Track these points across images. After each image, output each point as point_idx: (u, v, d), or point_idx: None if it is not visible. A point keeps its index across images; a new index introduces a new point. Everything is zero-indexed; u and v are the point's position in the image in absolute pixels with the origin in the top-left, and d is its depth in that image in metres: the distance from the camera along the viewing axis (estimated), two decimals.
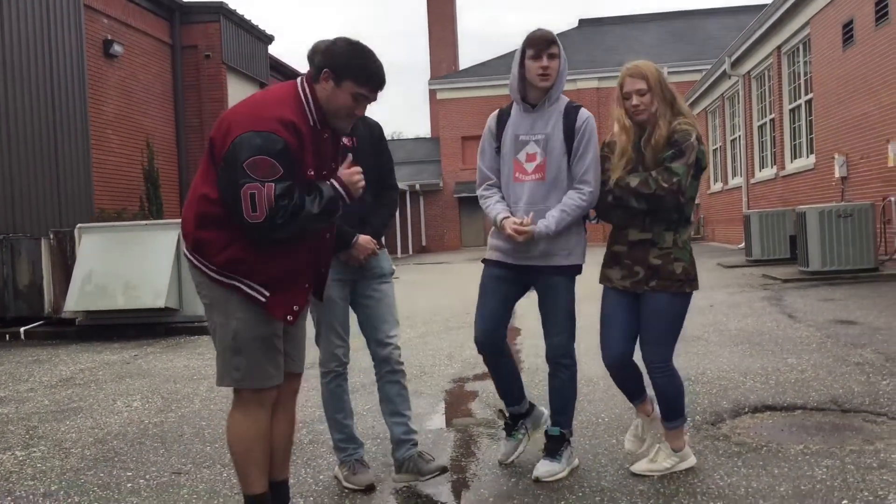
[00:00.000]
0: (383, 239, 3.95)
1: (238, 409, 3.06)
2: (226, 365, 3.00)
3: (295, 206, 2.84)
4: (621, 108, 3.64)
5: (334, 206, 2.97)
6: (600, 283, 3.83)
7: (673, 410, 3.75)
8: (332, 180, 3.00)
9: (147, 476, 4.16)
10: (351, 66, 2.95)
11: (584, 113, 3.77)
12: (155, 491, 3.92)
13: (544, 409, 4.11)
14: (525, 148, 3.77)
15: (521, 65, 3.72)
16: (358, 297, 3.88)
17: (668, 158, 3.52)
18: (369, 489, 3.74)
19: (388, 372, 3.89)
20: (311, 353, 3.53)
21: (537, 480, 3.73)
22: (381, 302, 3.89)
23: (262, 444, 3.06)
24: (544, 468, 3.78)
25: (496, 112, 3.93)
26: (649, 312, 3.68)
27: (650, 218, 3.59)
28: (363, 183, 3.09)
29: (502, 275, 3.86)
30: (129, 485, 4.04)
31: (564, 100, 3.81)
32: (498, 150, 3.84)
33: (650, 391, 3.84)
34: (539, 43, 3.67)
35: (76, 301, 9.58)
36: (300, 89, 2.98)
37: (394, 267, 4.05)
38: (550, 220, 3.68)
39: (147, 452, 4.60)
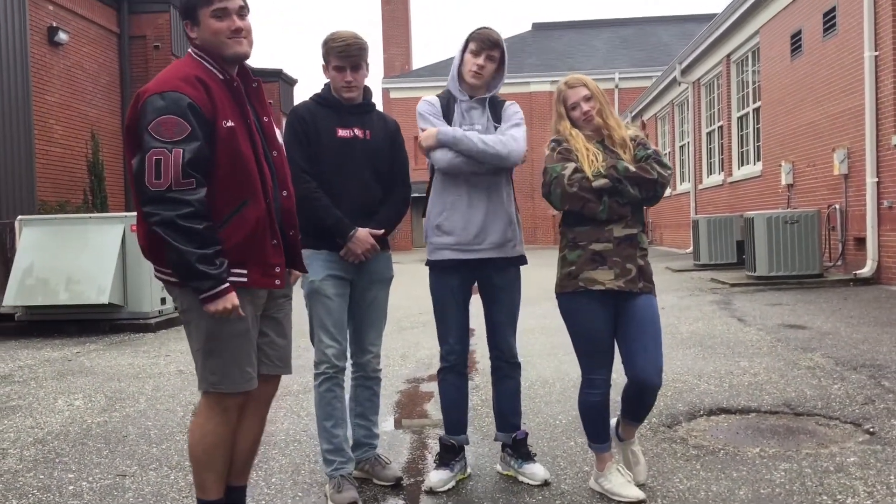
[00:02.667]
0: (389, 240, 3.79)
1: (202, 413, 2.95)
2: (202, 369, 2.89)
3: (189, 213, 2.64)
4: (565, 121, 3.51)
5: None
6: (562, 290, 3.45)
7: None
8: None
9: (90, 478, 4.00)
10: (191, 0, 2.83)
11: (508, 101, 3.80)
12: (98, 494, 3.76)
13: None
14: None
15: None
16: (352, 297, 3.69)
17: (653, 155, 3.43)
18: None
19: (363, 377, 3.82)
20: None
21: (546, 483, 3.62)
22: (372, 307, 3.75)
23: (222, 450, 2.94)
24: (542, 471, 3.67)
25: (434, 97, 3.77)
26: (645, 316, 3.39)
27: (632, 216, 3.42)
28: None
29: (459, 279, 3.69)
30: (70, 487, 3.87)
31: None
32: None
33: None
34: (483, 41, 3.62)
35: (15, 295, 9.25)
36: (192, 53, 2.89)
37: (393, 272, 3.86)
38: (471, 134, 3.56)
39: (90, 453, 4.43)
